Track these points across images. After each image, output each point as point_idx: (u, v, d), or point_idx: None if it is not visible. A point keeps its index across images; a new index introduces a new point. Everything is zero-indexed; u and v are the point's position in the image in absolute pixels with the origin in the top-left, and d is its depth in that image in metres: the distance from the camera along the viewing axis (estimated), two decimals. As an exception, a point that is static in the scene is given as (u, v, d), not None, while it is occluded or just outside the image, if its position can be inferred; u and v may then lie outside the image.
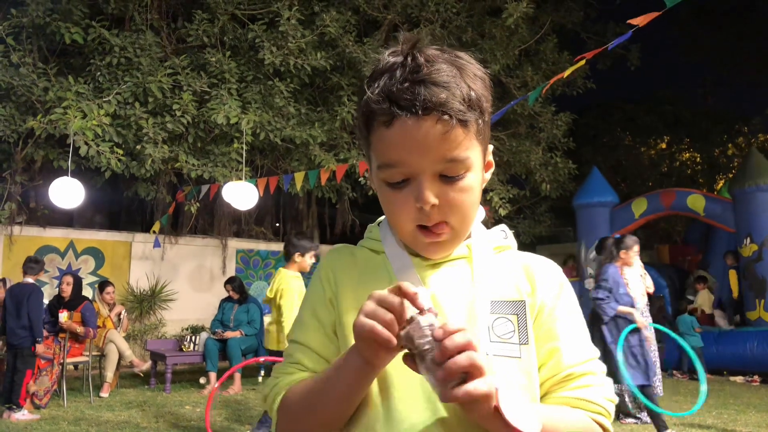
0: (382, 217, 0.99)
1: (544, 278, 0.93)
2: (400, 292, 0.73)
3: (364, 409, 0.85)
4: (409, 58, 0.82)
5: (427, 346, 0.70)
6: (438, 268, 0.91)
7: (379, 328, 0.72)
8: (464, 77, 0.82)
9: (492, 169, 0.94)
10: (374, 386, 0.85)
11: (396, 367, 0.81)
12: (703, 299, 10.29)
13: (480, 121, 0.83)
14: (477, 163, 0.86)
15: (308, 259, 4.65)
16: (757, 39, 18.48)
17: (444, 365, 0.69)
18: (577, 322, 0.92)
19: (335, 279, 0.95)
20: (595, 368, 0.88)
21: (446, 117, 0.79)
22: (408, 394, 0.83)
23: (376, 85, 0.82)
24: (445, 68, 0.81)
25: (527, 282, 0.91)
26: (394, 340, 0.72)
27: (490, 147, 0.91)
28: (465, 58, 0.86)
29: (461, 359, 0.69)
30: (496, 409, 0.71)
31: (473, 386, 0.69)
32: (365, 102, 0.84)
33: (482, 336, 0.85)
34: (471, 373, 0.69)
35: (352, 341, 0.85)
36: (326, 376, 0.85)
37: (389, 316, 0.73)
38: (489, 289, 0.88)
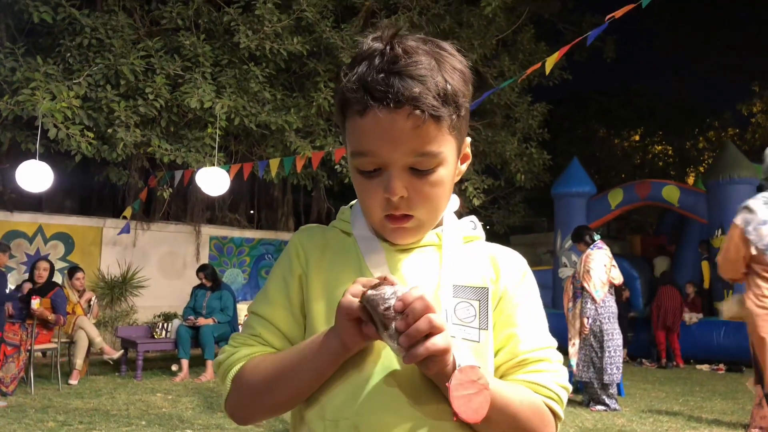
0: (355, 201, 0.99)
1: (508, 266, 0.95)
2: (386, 281, 0.76)
3: (321, 387, 0.86)
4: (388, 47, 0.81)
5: (390, 314, 0.72)
6: (407, 254, 0.91)
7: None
8: (442, 70, 0.81)
9: (468, 161, 0.94)
10: None
11: (357, 352, 0.83)
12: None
13: (455, 116, 0.83)
14: (450, 158, 0.86)
15: None
16: (729, 36, 18.79)
17: (406, 332, 0.71)
18: (536, 310, 0.94)
19: (306, 257, 0.94)
20: (551, 356, 0.90)
21: (418, 112, 0.78)
22: (368, 374, 0.83)
23: (354, 72, 0.82)
24: (424, 61, 0.80)
25: (492, 270, 0.93)
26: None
27: (468, 139, 0.91)
28: (447, 50, 0.85)
29: (422, 324, 0.71)
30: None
31: (431, 342, 0.71)
32: (341, 88, 0.84)
33: (444, 318, 0.85)
34: (431, 333, 0.72)
35: (318, 319, 0.88)
36: (295, 358, 0.86)
37: None
38: (455, 274, 0.90)
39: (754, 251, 3.03)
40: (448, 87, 0.81)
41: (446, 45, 0.86)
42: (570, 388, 0.91)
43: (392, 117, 0.79)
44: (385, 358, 0.83)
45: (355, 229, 0.94)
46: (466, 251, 0.94)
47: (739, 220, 3.19)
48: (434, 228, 0.93)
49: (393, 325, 0.72)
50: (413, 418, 0.81)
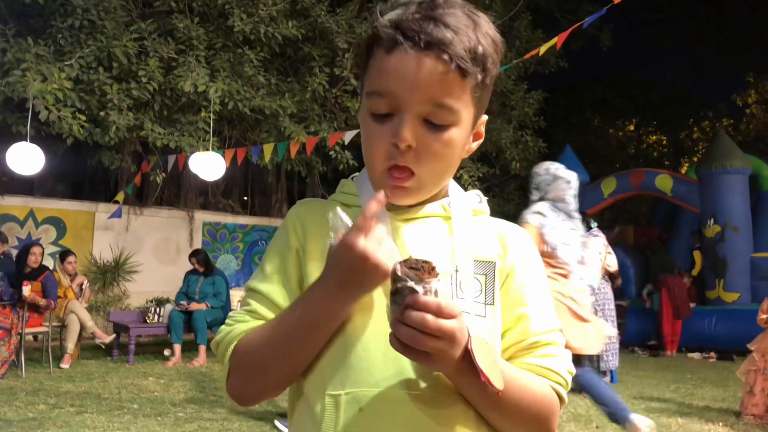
0: (357, 173, 0.96)
1: (517, 244, 0.92)
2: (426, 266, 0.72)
3: (320, 359, 0.83)
4: None
5: (400, 300, 0.70)
6: (413, 224, 0.89)
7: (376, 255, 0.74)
8: (477, 31, 0.80)
9: (480, 141, 0.91)
10: (336, 336, 0.83)
11: (358, 322, 0.81)
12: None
13: (480, 78, 0.81)
14: (466, 122, 0.83)
15: None
16: (725, 27, 18.77)
17: (398, 328, 0.70)
18: (544, 291, 0.92)
19: (303, 230, 0.90)
20: (558, 338, 0.89)
21: (446, 57, 0.77)
22: (370, 346, 0.81)
23: (388, 14, 0.82)
24: (461, 15, 0.80)
25: (499, 245, 0.91)
26: (384, 265, 0.74)
27: (485, 117, 0.90)
28: (483, 17, 0.84)
29: (411, 335, 0.69)
30: (467, 354, 0.71)
31: (414, 354, 0.70)
32: (373, 27, 0.83)
33: (451, 291, 0.84)
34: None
35: None
36: (291, 321, 0.81)
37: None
38: (467, 247, 0.87)
39: (547, 249, 3.47)
40: (479, 47, 0.80)
41: (482, 14, 0.85)
42: (574, 371, 0.89)
43: (419, 57, 0.77)
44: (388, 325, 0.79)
45: (361, 197, 0.91)
46: (473, 224, 0.92)
47: (533, 220, 3.56)
48: (439, 200, 0.91)
49: (396, 306, 0.70)
50: (419, 392, 0.78)
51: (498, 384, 0.72)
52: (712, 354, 8.84)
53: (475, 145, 0.91)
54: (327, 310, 0.79)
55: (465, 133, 0.85)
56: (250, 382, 0.86)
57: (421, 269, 0.70)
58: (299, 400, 0.86)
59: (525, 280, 0.90)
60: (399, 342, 0.70)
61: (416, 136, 0.80)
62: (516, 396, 0.79)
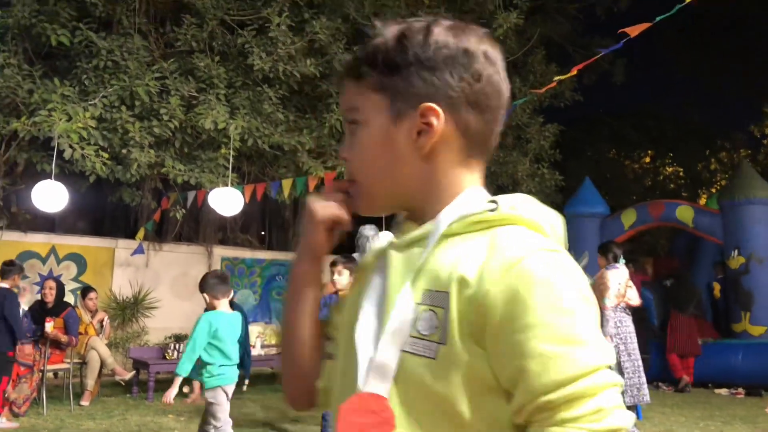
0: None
1: (500, 268, 0.70)
2: None
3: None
4: None
5: None
6: (401, 249, 0.81)
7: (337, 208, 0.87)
8: (386, 36, 0.81)
9: (431, 134, 0.78)
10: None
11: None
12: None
13: (377, 73, 0.80)
14: (373, 119, 0.80)
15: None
16: (740, 56, 18.80)
17: None
18: (557, 325, 0.67)
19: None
20: (591, 386, 0.65)
21: (343, 72, 0.87)
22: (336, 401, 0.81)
23: None
24: (385, 32, 0.82)
25: (477, 266, 0.71)
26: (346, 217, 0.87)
27: (429, 105, 0.77)
28: (442, 24, 0.82)
29: None
30: None
31: None
32: None
33: (400, 329, 0.73)
34: None
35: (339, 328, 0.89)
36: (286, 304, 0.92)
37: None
38: (426, 273, 0.75)
39: None
40: (381, 49, 0.81)
41: (445, 23, 0.82)
42: (625, 425, 0.66)
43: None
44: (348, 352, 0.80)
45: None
46: (460, 241, 0.76)
47: None
48: (380, 200, 0.86)
49: None
50: None
51: None
52: (740, 389, 8.61)
53: (424, 139, 0.78)
54: (294, 272, 0.90)
55: (376, 127, 0.81)
56: (283, 373, 0.94)
57: None
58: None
59: (520, 319, 0.67)
60: None
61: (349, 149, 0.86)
62: None
